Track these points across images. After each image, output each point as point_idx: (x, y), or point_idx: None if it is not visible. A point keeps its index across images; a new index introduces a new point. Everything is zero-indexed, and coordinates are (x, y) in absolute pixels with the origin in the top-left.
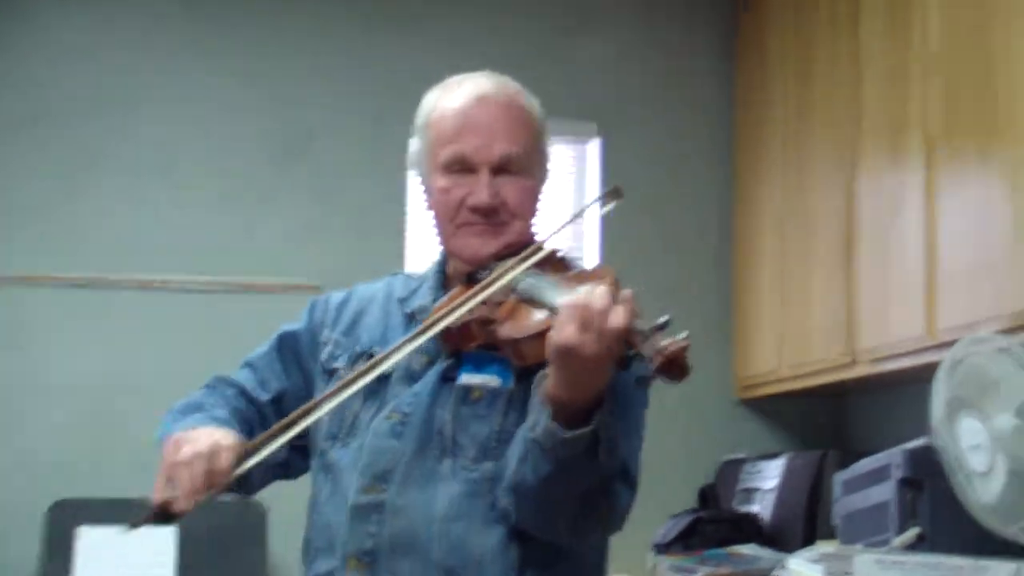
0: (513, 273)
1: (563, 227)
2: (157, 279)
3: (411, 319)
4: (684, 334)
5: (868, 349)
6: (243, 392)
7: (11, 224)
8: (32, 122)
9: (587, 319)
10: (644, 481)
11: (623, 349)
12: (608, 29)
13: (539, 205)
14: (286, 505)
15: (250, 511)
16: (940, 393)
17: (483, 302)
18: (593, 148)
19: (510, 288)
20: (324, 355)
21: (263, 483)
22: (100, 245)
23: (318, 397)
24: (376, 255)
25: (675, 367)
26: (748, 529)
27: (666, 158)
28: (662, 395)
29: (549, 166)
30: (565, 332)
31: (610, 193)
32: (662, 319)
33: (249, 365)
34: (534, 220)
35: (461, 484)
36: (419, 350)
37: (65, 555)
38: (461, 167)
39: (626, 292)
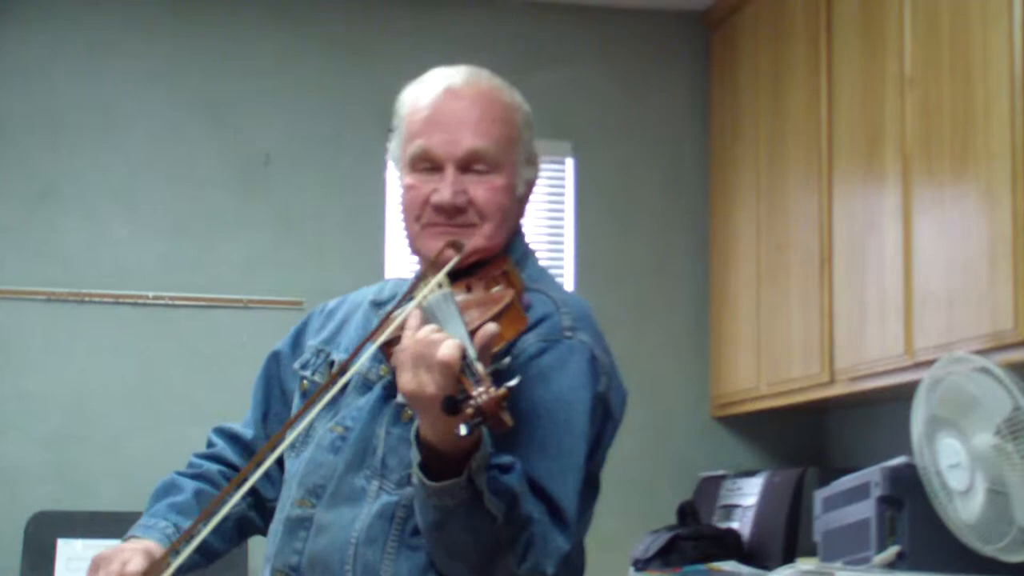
0: (425, 291)
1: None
2: (130, 294)
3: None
4: (513, 381)
5: (846, 368)
6: (234, 437)
7: None
8: None
9: (417, 353)
10: (623, 497)
11: (453, 389)
12: (582, 50)
13: (516, 206)
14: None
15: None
16: (919, 412)
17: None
18: (568, 167)
19: (421, 306)
20: (298, 363)
21: (233, 542)
22: (69, 262)
23: (250, 462)
24: (336, 275)
25: (488, 419)
26: (728, 546)
27: (641, 177)
28: (641, 412)
29: (532, 166)
30: (401, 378)
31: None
32: (503, 362)
33: (252, 392)
34: (509, 223)
35: (379, 507)
36: (376, 359)
37: (46, 567)
38: (427, 164)
39: (488, 327)
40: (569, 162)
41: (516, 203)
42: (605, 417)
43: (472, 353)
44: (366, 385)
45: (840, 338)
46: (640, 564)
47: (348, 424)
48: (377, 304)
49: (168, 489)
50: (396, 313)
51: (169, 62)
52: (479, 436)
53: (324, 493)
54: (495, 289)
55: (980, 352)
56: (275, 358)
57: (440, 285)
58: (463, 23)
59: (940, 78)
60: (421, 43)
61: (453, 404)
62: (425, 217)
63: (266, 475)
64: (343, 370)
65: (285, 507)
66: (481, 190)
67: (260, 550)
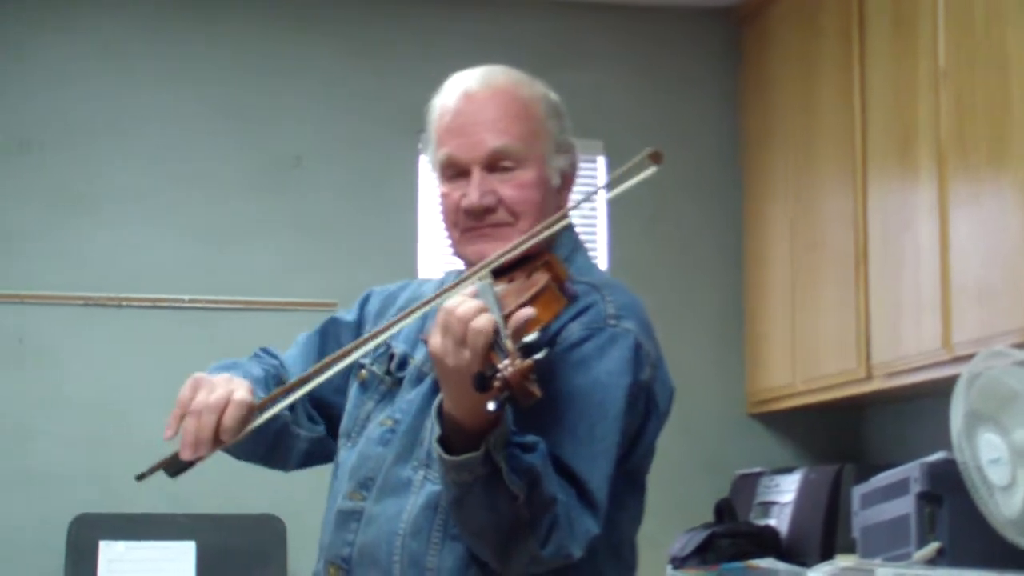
0: (460, 282)
1: (585, 200)
2: (166, 298)
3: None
4: (540, 354)
5: (883, 364)
6: (281, 365)
7: (13, 245)
8: (24, 148)
9: (449, 323)
10: (659, 495)
11: (483, 363)
12: (612, 48)
13: (553, 197)
14: (304, 520)
15: (269, 526)
16: (958, 407)
17: None
18: (599, 166)
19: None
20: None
21: (304, 460)
22: (105, 267)
23: (324, 360)
24: (369, 276)
25: (515, 391)
26: (766, 543)
27: (674, 174)
28: (677, 410)
29: (566, 154)
30: (432, 339)
31: (651, 156)
32: (529, 337)
33: (296, 343)
34: (544, 216)
35: (424, 498)
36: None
37: (88, 569)
38: (455, 170)
39: (523, 311)
40: (600, 161)
41: (552, 194)
42: (649, 408)
43: (504, 329)
44: (419, 378)
45: (876, 334)
46: (677, 562)
47: (397, 417)
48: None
49: (230, 367)
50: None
51: (198, 68)
52: (500, 413)
53: (373, 486)
54: (534, 276)
55: (1018, 345)
56: (336, 324)
57: (481, 279)
58: (492, 23)
59: (974, 72)
60: (449, 43)
61: (482, 380)
62: (462, 223)
63: (306, 415)
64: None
65: (337, 499)
66: (509, 188)
67: (299, 550)
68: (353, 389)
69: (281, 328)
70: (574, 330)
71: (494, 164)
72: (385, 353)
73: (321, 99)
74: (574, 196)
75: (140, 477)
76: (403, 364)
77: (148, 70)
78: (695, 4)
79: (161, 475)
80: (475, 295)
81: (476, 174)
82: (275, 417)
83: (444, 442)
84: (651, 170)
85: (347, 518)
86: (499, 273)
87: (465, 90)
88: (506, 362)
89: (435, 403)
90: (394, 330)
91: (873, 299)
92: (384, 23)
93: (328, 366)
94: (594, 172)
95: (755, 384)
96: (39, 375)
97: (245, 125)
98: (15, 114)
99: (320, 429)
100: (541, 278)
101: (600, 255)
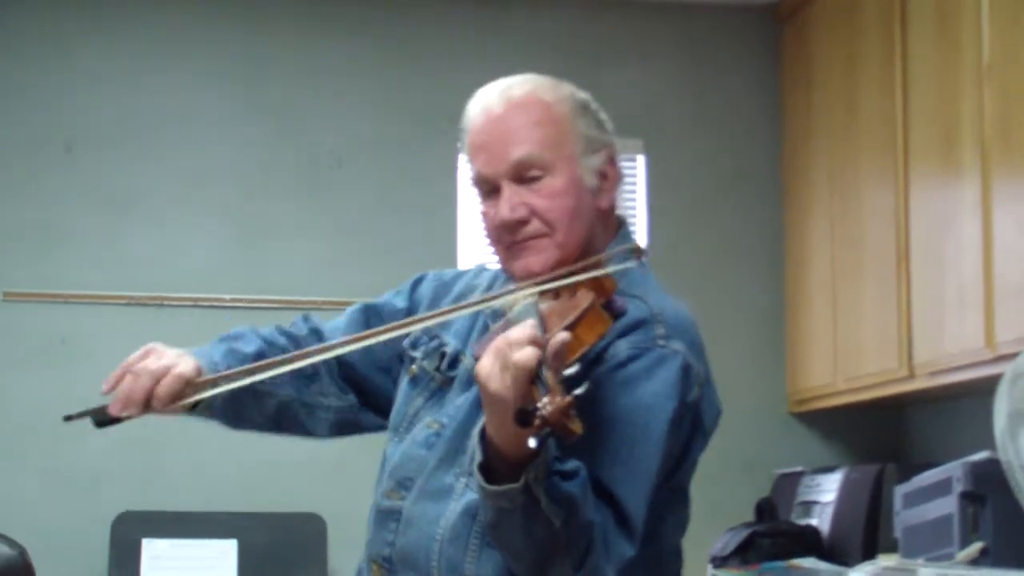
0: (508, 296)
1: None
2: (207, 297)
3: (492, 319)
4: (581, 389)
5: (925, 362)
6: (318, 334)
7: (56, 246)
8: (68, 149)
9: (499, 349)
10: (700, 495)
11: (524, 397)
12: (651, 46)
13: (590, 199)
14: (345, 519)
15: (310, 525)
16: (1002, 406)
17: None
18: (639, 165)
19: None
20: (408, 341)
21: (335, 429)
22: (147, 267)
23: (317, 346)
24: (409, 275)
25: (556, 429)
26: (807, 542)
27: (713, 173)
28: None
29: (598, 152)
30: (482, 361)
31: (634, 251)
32: (570, 370)
33: (346, 314)
34: (582, 220)
35: (464, 505)
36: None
37: (132, 566)
38: (487, 187)
39: (559, 336)
40: (640, 159)
41: (589, 196)
42: (695, 427)
43: (547, 363)
44: (470, 381)
45: (919, 333)
46: (718, 561)
47: (444, 421)
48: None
49: (236, 337)
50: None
51: (240, 69)
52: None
53: (412, 486)
54: (579, 294)
55: None
56: (378, 308)
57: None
58: (531, 22)
59: (1019, 67)
60: (489, 43)
61: (524, 416)
62: (503, 239)
63: (334, 386)
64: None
65: (377, 496)
66: (540, 198)
67: (339, 548)
68: (403, 383)
69: None
70: (622, 348)
71: (521, 175)
72: (437, 349)
73: (361, 99)
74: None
75: (68, 418)
76: (454, 363)
77: (190, 71)
78: (736, 1)
79: (204, 470)
80: (520, 315)
81: (506, 188)
82: (270, 393)
83: (485, 467)
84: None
85: (386, 517)
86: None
87: (485, 105)
88: (546, 400)
89: (478, 427)
90: (436, 320)
91: (915, 297)
92: (424, 23)
93: (305, 356)
94: (633, 170)
95: (796, 383)
96: (81, 374)
97: (286, 125)
98: (59, 116)
99: (350, 399)
100: (585, 298)
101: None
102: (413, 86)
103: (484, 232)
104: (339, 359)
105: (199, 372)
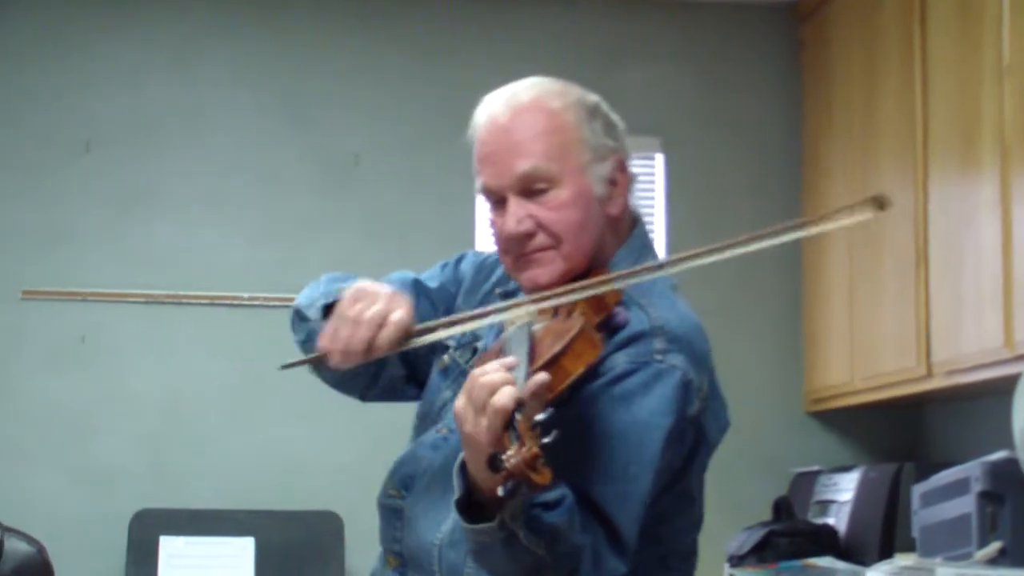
0: (506, 315)
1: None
2: (226, 295)
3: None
4: (549, 438)
5: (943, 361)
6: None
7: (76, 244)
8: (88, 148)
9: (472, 390)
10: (717, 494)
11: (497, 442)
12: (670, 45)
13: (599, 209)
14: (362, 517)
15: (327, 523)
16: (1020, 405)
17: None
18: (657, 163)
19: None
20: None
21: (380, 394)
22: (165, 265)
23: (478, 311)
24: (427, 271)
25: (520, 481)
26: (824, 542)
27: (732, 172)
28: (734, 409)
29: (606, 160)
30: (457, 400)
31: (872, 200)
32: (541, 415)
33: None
34: (590, 232)
35: None
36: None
37: (149, 564)
38: (495, 199)
39: (539, 377)
40: (659, 158)
41: (598, 205)
42: (698, 440)
43: (523, 405)
44: None
45: (937, 332)
46: (735, 560)
47: (453, 426)
48: (505, 295)
49: (344, 278)
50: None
51: (257, 67)
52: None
53: (413, 486)
54: (574, 314)
55: None
56: (422, 285)
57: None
58: (550, 21)
59: None
60: (507, 42)
61: (494, 463)
62: (510, 250)
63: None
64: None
65: (380, 491)
66: (546, 210)
67: (356, 546)
68: (434, 372)
69: None
70: (620, 361)
71: (527, 188)
72: (470, 343)
73: (380, 98)
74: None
75: (285, 366)
76: None
77: (209, 70)
78: (755, 0)
79: (222, 468)
80: (514, 336)
81: (512, 201)
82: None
83: (466, 500)
84: (868, 215)
85: (390, 514)
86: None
87: (490, 115)
88: (511, 452)
89: (457, 461)
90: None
91: (934, 296)
92: (443, 22)
93: (479, 316)
94: (652, 169)
95: (813, 382)
96: (101, 372)
97: (304, 124)
98: (78, 115)
99: (402, 370)
100: (574, 324)
101: (658, 253)
102: (432, 84)
103: (494, 241)
104: None
105: (412, 317)
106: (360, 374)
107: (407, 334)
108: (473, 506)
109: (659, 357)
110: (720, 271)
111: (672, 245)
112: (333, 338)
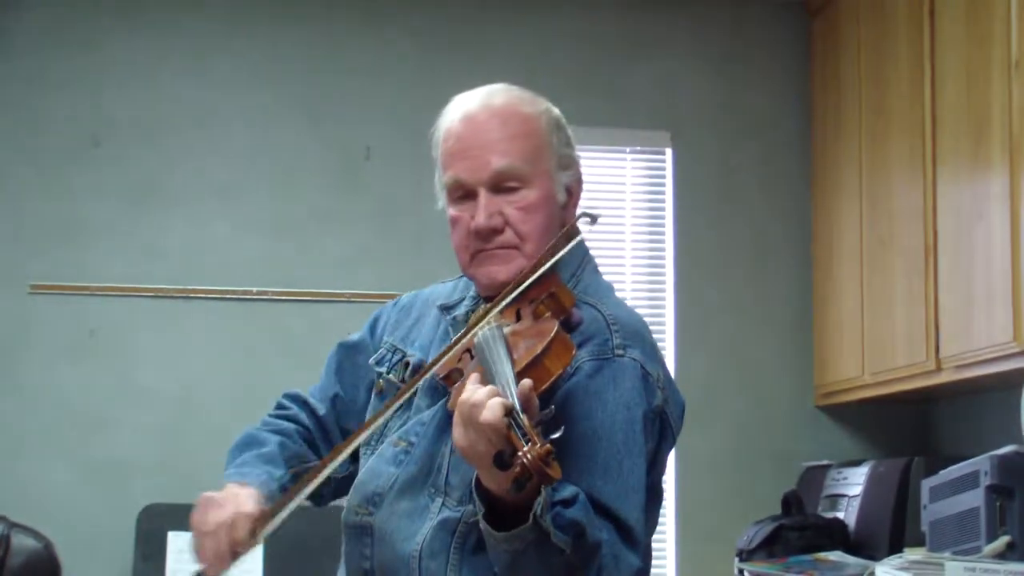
0: (481, 324)
1: (537, 273)
2: (234, 290)
3: (452, 327)
4: (557, 434)
5: (953, 356)
6: (306, 405)
7: (84, 239)
8: (96, 143)
9: (464, 414)
10: (727, 488)
11: (503, 445)
12: (680, 39)
13: (560, 214)
14: None
15: (336, 518)
16: None
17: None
18: (667, 157)
19: (472, 343)
20: (374, 359)
21: (335, 496)
22: (175, 259)
23: (338, 445)
24: (437, 268)
25: (536, 476)
26: (834, 536)
27: (742, 166)
28: (744, 403)
29: (570, 169)
30: (455, 432)
31: (586, 217)
32: (545, 411)
33: (324, 368)
34: (551, 235)
35: (439, 521)
36: (434, 386)
37: (157, 558)
38: (462, 192)
39: (524, 384)
40: (668, 152)
41: (558, 212)
42: (663, 429)
43: (518, 405)
44: (434, 388)
45: (946, 326)
46: (745, 554)
47: (412, 439)
48: (445, 308)
49: (250, 443)
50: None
51: (267, 61)
52: (537, 484)
53: (382, 502)
54: (544, 317)
55: None
56: (347, 348)
57: (491, 320)
58: (560, 16)
59: None
60: (518, 38)
61: (502, 461)
62: (472, 245)
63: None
64: (404, 392)
65: (345, 511)
66: (515, 209)
67: None
68: (372, 400)
69: (347, 320)
70: (583, 358)
71: (499, 184)
72: (400, 361)
73: (390, 91)
74: (643, 190)
75: None
76: (416, 372)
77: (218, 65)
78: None
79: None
80: (486, 343)
81: (483, 196)
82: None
83: (488, 517)
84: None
85: (358, 532)
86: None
87: (466, 112)
88: (525, 448)
89: (472, 480)
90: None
91: (943, 291)
92: (451, 17)
93: (339, 453)
94: (663, 163)
95: (823, 376)
96: (109, 366)
97: (314, 117)
98: (87, 110)
99: (353, 468)
100: (549, 326)
101: (667, 247)
102: (442, 79)
103: (453, 238)
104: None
105: (259, 501)
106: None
107: (262, 519)
108: (497, 523)
109: (620, 352)
110: (731, 268)
111: (681, 239)
112: (203, 555)
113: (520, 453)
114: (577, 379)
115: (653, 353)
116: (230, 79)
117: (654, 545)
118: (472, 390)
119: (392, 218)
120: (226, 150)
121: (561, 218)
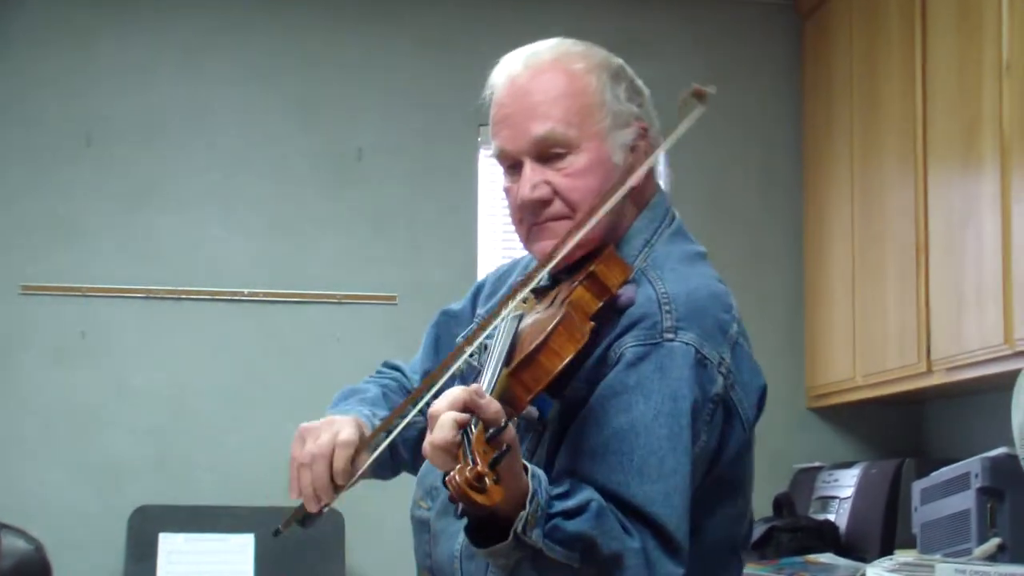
0: (504, 311)
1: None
2: (226, 291)
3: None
4: (502, 451)
5: (943, 358)
6: (403, 374)
7: (76, 239)
8: (89, 142)
9: (434, 418)
10: None
11: (451, 465)
12: (673, 40)
13: (620, 178)
14: (363, 515)
15: (328, 520)
16: (1020, 401)
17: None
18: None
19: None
20: (462, 336)
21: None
22: (166, 261)
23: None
24: (430, 269)
25: (461, 501)
26: (825, 537)
27: (734, 167)
28: None
29: (628, 127)
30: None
31: (694, 95)
32: (501, 422)
33: (422, 344)
34: (611, 197)
35: None
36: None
37: (149, 560)
38: (509, 163)
39: (493, 406)
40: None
41: (617, 174)
42: (729, 417)
43: (474, 420)
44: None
45: (937, 328)
46: None
47: None
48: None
49: (353, 392)
50: (493, 323)
51: (260, 61)
52: (525, 491)
53: (438, 496)
54: (574, 301)
55: None
56: (448, 317)
57: (525, 300)
58: (556, 15)
59: None
60: (513, 37)
61: (444, 479)
62: (524, 219)
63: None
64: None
65: (411, 502)
66: (562, 177)
67: (357, 544)
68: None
69: (341, 322)
70: (627, 345)
71: (543, 153)
72: (483, 344)
73: (383, 92)
74: None
75: (276, 533)
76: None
77: (211, 64)
78: None
79: (222, 465)
80: (500, 331)
81: (527, 166)
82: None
83: (470, 529)
84: (698, 110)
85: (421, 527)
86: (567, 271)
87: (509, 75)
88: (456, 468)
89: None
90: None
91: (934, 292)
92: (447, 16)
93: (424, 389)
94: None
95: (815, 378)
96: (101, 368)
97: (306, 118)
98: (79, 109)
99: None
100: (555, 315)
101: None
102: (436, 79)
103: (508, 210)
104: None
105: (360, 429)
106: (382, 465)
107: (359, 446)
108: (490, 529)
109: (669, 335)
110: (722, 270)
111: None
112: (299, 487)
113: (449, 475)
114: (617, 369)
115: (715, 334)
116: (223, 79)
117: None
118: (441, 399)
119: (384, 219)
120: (219, 151)
121: (620, 183)
